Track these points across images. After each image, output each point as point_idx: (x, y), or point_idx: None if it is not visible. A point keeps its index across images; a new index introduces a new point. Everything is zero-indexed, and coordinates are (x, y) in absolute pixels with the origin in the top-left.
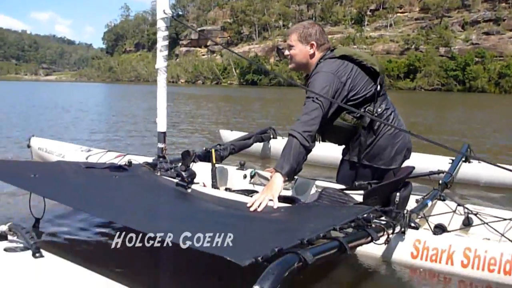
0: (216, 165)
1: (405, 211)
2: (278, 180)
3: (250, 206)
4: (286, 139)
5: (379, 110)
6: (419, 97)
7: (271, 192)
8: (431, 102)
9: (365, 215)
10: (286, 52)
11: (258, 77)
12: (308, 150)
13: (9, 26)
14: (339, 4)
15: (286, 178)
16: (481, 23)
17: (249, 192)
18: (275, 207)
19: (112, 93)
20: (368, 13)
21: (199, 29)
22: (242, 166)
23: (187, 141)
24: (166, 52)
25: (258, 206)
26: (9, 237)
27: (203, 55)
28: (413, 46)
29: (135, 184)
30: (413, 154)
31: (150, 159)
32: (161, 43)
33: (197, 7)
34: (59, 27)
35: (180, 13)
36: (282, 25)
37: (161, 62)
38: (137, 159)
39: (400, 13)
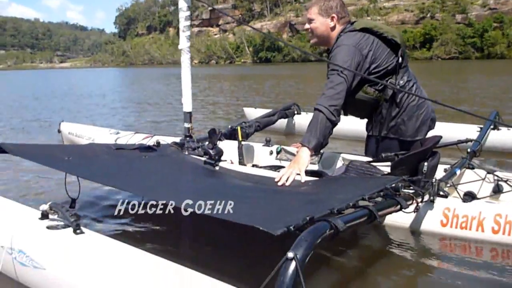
0: (242, 143)
1: (434, 180)
2: (305, 154)
3: (278, 181)
4: (310, 114)
5: (401, 82)
6: (436, 67)
7: (298, 166)
8: (450, 71)
9: (394, 185)
10: (306, 26)
11: (272, 54)
12: (334, 124)
13: (22, 14)
14: None
15: (313, 152)
16: None
17: (276, 168)
18: (302, 181)
19: (129, 77)
20: None
21: (209, 8)
22: (268, 143)
23: (210, 121)
24: (188, 32)
25: (286, 180)
26: (50, 216)
27: (215, 34)
28: (428, 15)
29: (164, 163)
30: (439, 124)
31: (177, 139)
32: (183, 23)
33: None
34: (71, 14)
35: None
36: (294, 0)
37: (184, 42)
38: (165, 140)
39: None
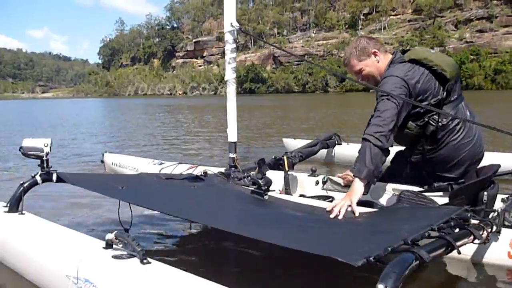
0: (288, 173)
1: (499, 209)
2: (357, 185)
3: (330, 212)
4: (351, 145)
5: (443, 120)
6: None
7: (349, 198)
8: None
9: (460, 215)
10: (361, 80)
11: (256, 85)
12: (383, 149)
13: (5, 45)
14: (332, 10)
15: (366, 182)
16: (474, 21)
17: (324, 198)
18: (356, 214)
19: (121, 108)
20: (362, 17)
21: (194, 40)
22: (313, 173)
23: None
24: (234, 64)
25: (339, 212)
26: (115, 246)
27: (200, 66)
28: (408, 47)
29: (212, 193)
30: (494, 154)
31: (222, 169)
32: (229, 55)
33: (191, 19)
34: (55, 44)
35: (175, 25)
36: (277, 32)
37: (230, 74)
38: (210, 170)
39: (393, 15)
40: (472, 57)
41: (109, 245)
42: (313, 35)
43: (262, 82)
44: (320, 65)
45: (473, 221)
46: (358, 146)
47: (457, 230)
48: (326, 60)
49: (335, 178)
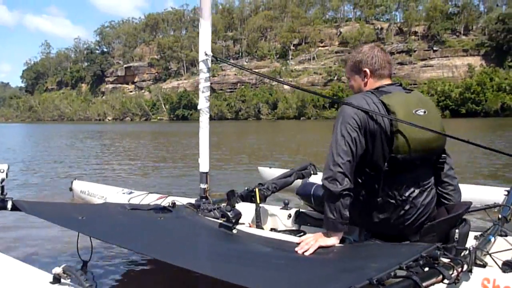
0: (260, 205)
1: (470, 248)
2: (330, 239)
3: (300, 248)
4: None
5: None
6: None
7: (319, 240)
8: None
9: (431, 253)
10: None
11: (189, 112)
12: (338, 193)
13: None
14: (263, 40)
15: (336, 232)
16: (395, 54)
17: (295, 233)
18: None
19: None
20: (292, 47)
21: (125, 65)
22: (286, 206)
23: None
24: (208, 93)
25: (307, 250)
26: (62, 280)
27: (131, 91)
28: (335, 77)
29: (179, 225)
30: (466, 186)
31: (192, 200)
32: (203, 84)
33: (122, 44)
34: None
35: (105, 50)
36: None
37: (203, 102)
38: (180, 200)
39: (321, 47)
40: None
41: (56, 279)
42: (245, 63)
43: (195, 108)
44: (319, 93)
45: (444, 260)
46: None
47: (426, 268)
48: (259, 88)
49: (308, 212)
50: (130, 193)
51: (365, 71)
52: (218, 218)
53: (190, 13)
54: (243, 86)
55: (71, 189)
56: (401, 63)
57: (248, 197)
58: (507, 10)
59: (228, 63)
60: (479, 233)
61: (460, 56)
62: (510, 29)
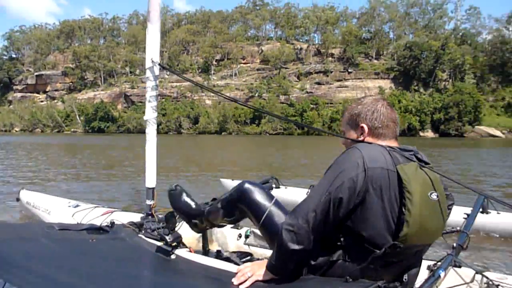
0: None
1: None
2: (268, 274)
3: (236, 279)
4: (290, 188)
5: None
6: (265, 141)
7: (259, 274)
8: (277, 144)
9: None
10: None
11: (106, 124)
12: (291, 251)
13: None
14: (186, 53)
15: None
16: (313, 74)
17: (242, 256)
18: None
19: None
20: (214, 62)
21: (36, 73)
22: (236, 225)
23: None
24: (155, 103)
25: (244, 282)
26: None
27: (42, 101)
28: (256, 94)
29: (113, 249)
30: None
31: (138, 216)
32: (150, 93)
33: (34, 50)
34: None
35: (14, 56)
36: (129, 71)
37: (150, 113)
38: (125, 217)
39: (243, 63)
40: (312, 105)
41: None
42: (166, 76)
43: (112, 121)
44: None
45: None
46: (297, 190)
47: None
48: (180, 102)
49: (259, 232)
50: (76, 206)
51: (362, 127)
52: (159, 240)
53: (109, 22)
54: (163, 99)
55: (18, 199)
56: (318, 83)
57: None
58: (414, 39)
59: (177, 73)
60: (433, 262)
61: (372, 79)
62: (415, 56)
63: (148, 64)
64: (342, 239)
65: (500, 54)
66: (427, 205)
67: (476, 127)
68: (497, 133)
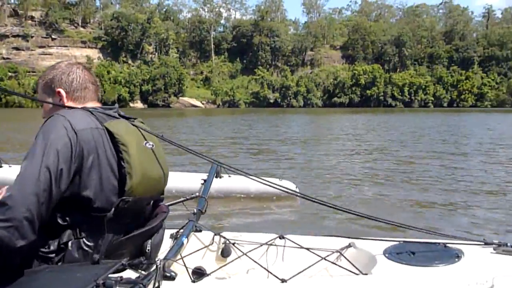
0: None
1: (158, 261)
2: None
3: None
4: (14, 167)
5: None
6: None
7: None
8: None
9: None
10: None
11: None
12: (15, 249)
13: None
14: None
15: None
16: (10, 38)
17: None
18: None
19: None
20: None
21: None
22: None
23: None
24: None
25: None
26: None
27: None
28: None
29: None
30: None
31: None
32: None
33: None
34: None
35: None
36: None
37: None
38: None
39: None
40: (10, 74)
41: None
42: None
43: None
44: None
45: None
46: (18, 168)
47: None
48: None
49: None
50: None
51: (58, 91)
52: None
53: None
54: None
55: None
56: (17, 48)
57: None
58: (120, 9)
59: None
60: (176, 230)
61: (79, 47)
62: (123, 27)
63: None
64: (67, 217)
65: (198, 32)
66: (145, 154)
67: (181, 98)
68: (198, 103)
